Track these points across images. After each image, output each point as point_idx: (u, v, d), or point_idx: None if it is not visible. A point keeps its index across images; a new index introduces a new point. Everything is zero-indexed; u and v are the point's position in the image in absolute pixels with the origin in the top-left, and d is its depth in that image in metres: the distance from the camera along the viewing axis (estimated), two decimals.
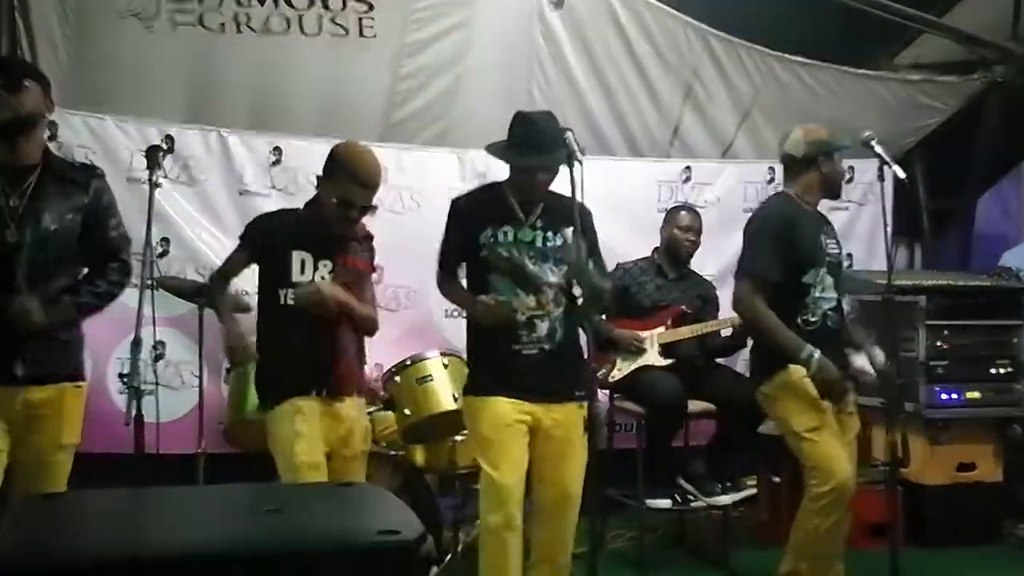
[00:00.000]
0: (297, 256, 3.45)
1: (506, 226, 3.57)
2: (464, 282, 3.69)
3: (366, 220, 3.63)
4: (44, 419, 3.18)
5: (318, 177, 3.55)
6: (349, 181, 3.45)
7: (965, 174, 6.34)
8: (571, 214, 3.36)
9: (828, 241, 3.97)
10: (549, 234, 3.59)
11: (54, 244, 3.19)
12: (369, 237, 3.69)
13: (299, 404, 3.42)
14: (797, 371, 3.80)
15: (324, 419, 3.45)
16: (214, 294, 3.72)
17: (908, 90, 5.98)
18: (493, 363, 3.57)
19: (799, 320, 3.84)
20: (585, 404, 3.55)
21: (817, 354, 3.74)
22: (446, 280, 3.70)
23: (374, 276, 5.22)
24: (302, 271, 3.45)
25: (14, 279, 3.12)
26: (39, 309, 3.12)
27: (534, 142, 3.53)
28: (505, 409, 3.50)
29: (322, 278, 3.46)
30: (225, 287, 3.71)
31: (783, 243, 3.84)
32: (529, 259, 3.56)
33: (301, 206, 3.67)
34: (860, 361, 3.89)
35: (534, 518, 3.62)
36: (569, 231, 3.56)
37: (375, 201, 3.53)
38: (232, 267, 3.66)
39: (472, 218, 3.61)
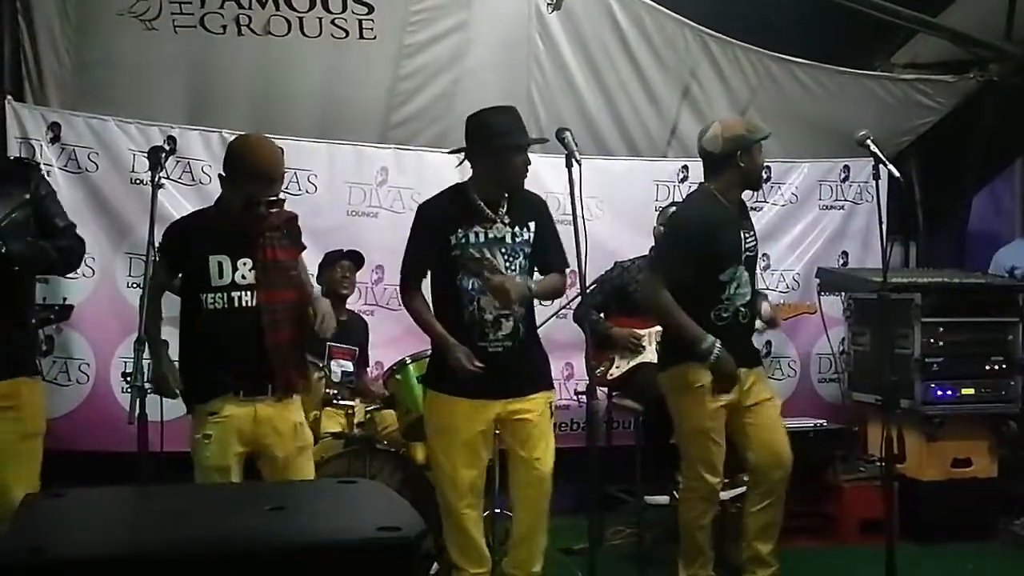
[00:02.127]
0: (214, 260, 3.40)
1: (476, 226, 3.62)
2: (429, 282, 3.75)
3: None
4: (5, 411, 3.24)
5: (221, 177, 3.50)
6: (251, 178, 3.38)
7: (960, 172, 6.36)
8: (532, 207, 3.60)
9: (747, 236, 4.01)
10: (517, 229, 3.66)
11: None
12: (292, 219, 3.58)
13: (216, 406, 3.40)
14: (694, 372, 3.90)
15: (246, 420, 3.42)
16: (149, 319, 3.40)
17: (904, 89, 5.99)
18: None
19: (712, 315, 3.91)
20: (551, 392, 3.73)
21: (717, 345, 3.83)
22: (413, 297, 3.70)
23: (374, 277, 5.32)
24: (220, 275, 3.40)
25: None
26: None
27: (515, 127, 3.62)
28: (466, 411, 3.59)
29: (243, 277, 3.40)
30: (159, 308, 3.55)
31: (700, 245, 3.89)
32: (502, 256, 3.62)
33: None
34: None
35: (512, 500, 3.72)
36: (533, 224, 3.66)
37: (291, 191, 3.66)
38: (163, 279, 3.51)
39: (441, 221, 3.64)
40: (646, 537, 4.88)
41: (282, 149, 3.55)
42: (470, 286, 3.60)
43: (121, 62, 5.10)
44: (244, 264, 3.42)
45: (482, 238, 3.61)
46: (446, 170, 5.44)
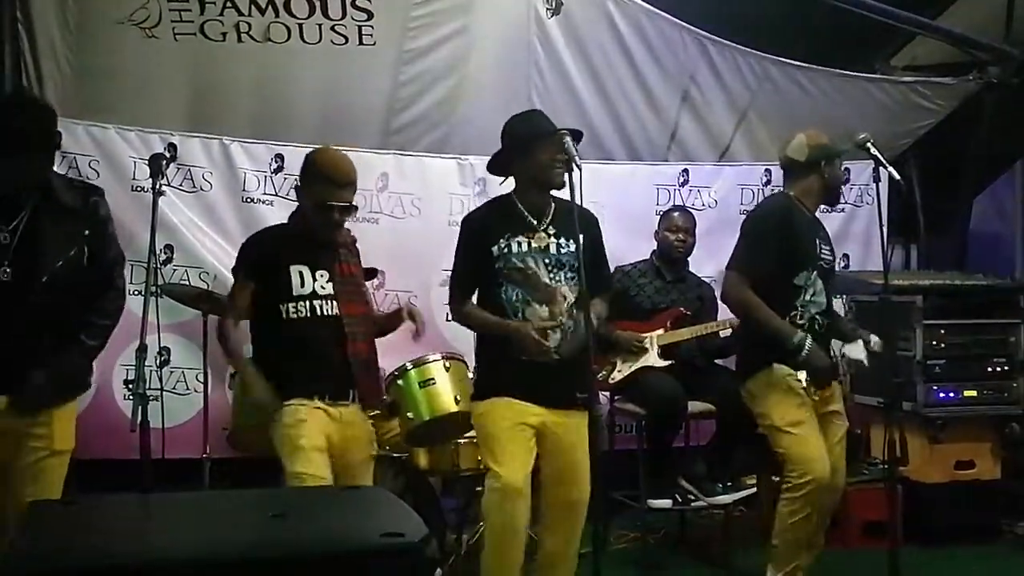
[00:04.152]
0: (295, 270, 3.50)
1: (520, 236, 3.57)
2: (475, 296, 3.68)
3: (349, 225, 3.65)
4: (37, 426, 3.18)
5: (296, 188, 3.61)
6: (323, 183, 3.49)
7: (960, 174, 6.35)
8: (581, 220, 3.38)
9: (823, 246, 4.03)
10: (562, 240, 3.60)
11: (62, 283, 3.10)
12: (354, 242, 3.72)
13: (303, 403, 3.46)
14: (781, 370, 3.88)
15: (329, 421, 3.48)
16: (232, 346, 3.58)
17: (903, 91, 5.99)
18: (503, 369, 3.58)
19: (787, 321, 3.91)
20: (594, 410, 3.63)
21: (808, 340, 3.83)
22: (463, 307, 3.64)
23: (376, 281, 5.31)
24: (302, 284, 3.49)
25: (13, 324, 3.04)
26: (45, 387, 3.11)
27: (546, 124, 3.61)
28: (513, 409, 3.51)
29: (321, 288, 3.50)
30: (237, 333, 3.60)
31: (778, 241, 3.90)
32: (545, 267, 3.57)
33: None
34: (855, 352, 3.94)
35: (542, 522, 3.66)
36: (581, 237, 3.57)
37: (355, 201, 3.57)
38: (241, 302, 3.59)
39: (485, 231, 3.61)
40: (650, 540, 4.88)
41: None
42: (514, 297, 3.55)
43: (121, 70, 5.11)
44: (322, 276, 3.53)
45: (525, 247, 3.57)
46: (447, 176, 5.49)
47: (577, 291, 3.56)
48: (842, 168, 4.12)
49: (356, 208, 3.59)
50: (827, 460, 3.88)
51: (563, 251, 3.59)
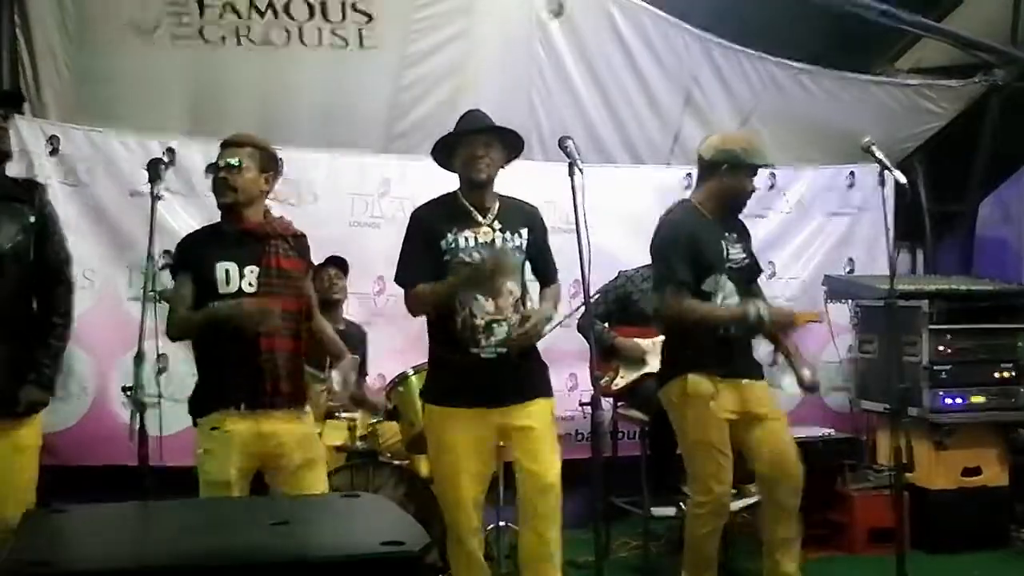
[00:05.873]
0: (221, 267, 3.41)
1: (466, 230, 3.59)
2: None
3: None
4: None
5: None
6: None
7: (966, 178, 6.34)
8: (524, 214, 3.56)
9: (732, 247, 3.99)
10: (507, 235, 3.63)
11: (10, 268, 3.14)
12: (299, 235, 3.63)
13: (219, 419, 3.40)
14: (694, 382, 3.88)
15: (248, 435, 3.40)
16: (193, 320, 3.44)
17: (908, 94, 5.99)
18: (453, 368, 3.59)
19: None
20: (550, 400, 3.68)
21: (762, 308, 3.83)
22: (412, 293, 3.62)
23: (376, 287, 5.29)
24: (227, 282, 3.41)
25: None
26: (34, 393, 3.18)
27: (469, 123, 3.66)
28: (465, 422, 3.54)
29: (249, 284, 3.41)
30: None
31: (688, 251, 3.89)
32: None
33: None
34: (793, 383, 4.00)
35: (520, 515, 3.66)
36: (525, 231, 3.63)
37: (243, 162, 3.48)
38: (185, 300, 3.47)
39: (432, 227, 3.63)
40: (652, 548, 4.85)
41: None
42: (461, 292, 3.55)
43: (120, 74, 5.10)
44: (251, 272, 3.43)
45: (472, 242, 3.59)
46: (449, 180, 5.44)
47: (522, 286, 3.63)
48: (750, 181, 4.00)
49: (240, 166, 3.45)
50: (729, 481, 3.92)
51: (509, 245, 3.62)
